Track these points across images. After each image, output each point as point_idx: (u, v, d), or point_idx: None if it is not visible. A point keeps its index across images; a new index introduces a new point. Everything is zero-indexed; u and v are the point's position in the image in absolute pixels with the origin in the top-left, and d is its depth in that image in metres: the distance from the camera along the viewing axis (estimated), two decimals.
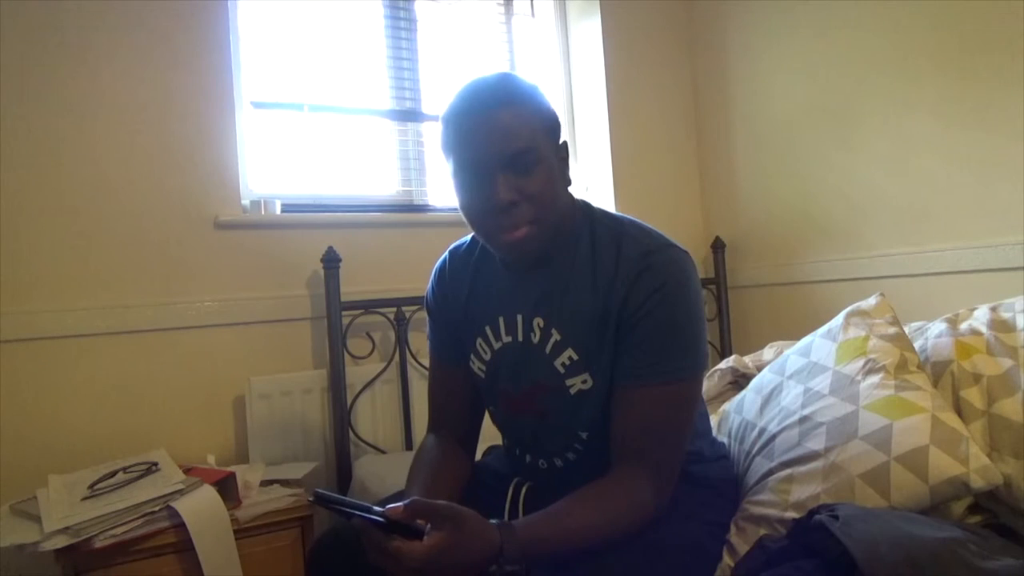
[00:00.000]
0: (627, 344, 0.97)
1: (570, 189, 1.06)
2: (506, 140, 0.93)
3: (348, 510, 0.79)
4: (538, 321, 1.03)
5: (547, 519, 0.91)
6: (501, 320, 1.07)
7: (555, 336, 1.02)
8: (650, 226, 1.04)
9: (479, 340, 1.10)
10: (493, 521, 0.84)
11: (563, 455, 1.07)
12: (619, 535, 0.93)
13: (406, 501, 0.79)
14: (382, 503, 0.88)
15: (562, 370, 1.02)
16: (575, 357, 1.01)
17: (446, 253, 1.19)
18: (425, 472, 1.06)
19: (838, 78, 2.24)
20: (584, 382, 1.01)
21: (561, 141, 1.03)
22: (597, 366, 0.99)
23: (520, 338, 1.06)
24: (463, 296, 1.13)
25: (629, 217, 1.06)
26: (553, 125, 1.00)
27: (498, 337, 1.08)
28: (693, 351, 0.98)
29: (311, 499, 0.80)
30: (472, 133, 0.95)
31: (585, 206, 1.07)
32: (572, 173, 1.05)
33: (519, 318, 1.05)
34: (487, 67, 2.57)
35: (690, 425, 1.03)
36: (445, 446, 1.12)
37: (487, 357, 1.10)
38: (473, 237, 1.17)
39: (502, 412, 1.14)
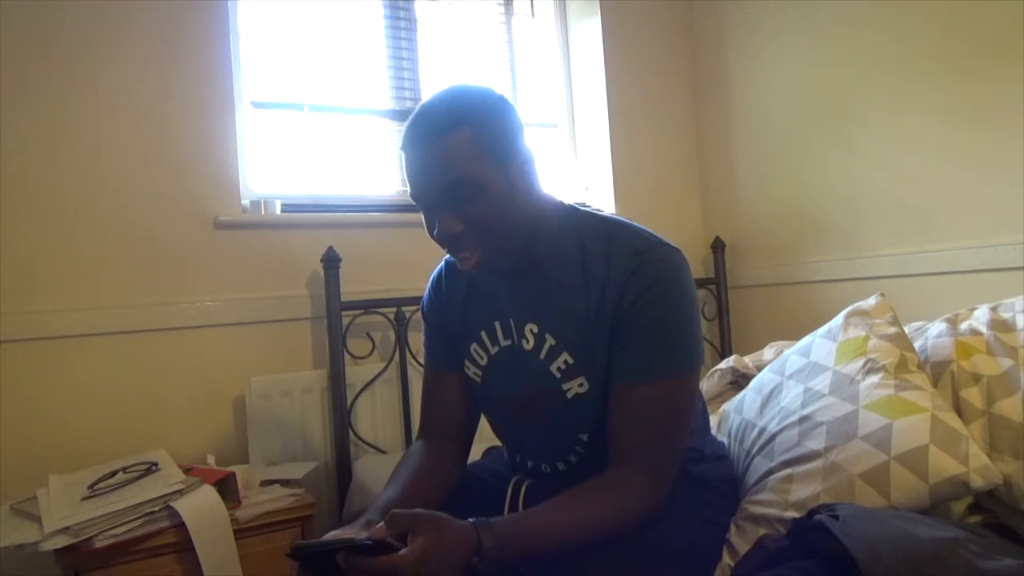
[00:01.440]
0: (621, 343, 0.97)
1: (547, 192, 1.03)
2: (441, 173, 0.93)
3: (330, 548, 0.79)
4: (531, 327, 1.03)
5: (530, 516, 0.92)
6: (497, 324, 1.08)
7: (549, 341, 1.02)
8: (640, 226, 1.03)
9: (474, 345, 1.10)
10: (471, 520, 0.85)
11: (565, 458, 1.07)
12: (609, 533, 0.93)
13: (387, 518, 0.81)
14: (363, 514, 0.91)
15: (558, 375, 1.02)
16: (570, 361, 1.00)
17: (442, 262, 1.19)
18: (402, 477, 1.06)
19: (838, 78, 2.24)
20: (580, 385, 1.01)
21: (524, 146, 0.98)
22: (593, 369, 0.99)
23: (515, 342, 1.06)
24: (460, 303, 1.13)
25: (618, 218, 1.05)
26: (495, 140, 0.95)
27: (495, 342, 1.08)
28: (687, 348, 0.98)
29: (288, 554, 0.80)
30: (410, 168, 0.97)
31: (571, 210, 1.06)
32: (542, 179, 1.01)
33: (512, 323, 1.06)
34: (487, 67, 2.57)
35: (687, 422, 1.02)
36: (430, 452, 1.12)
37: (483, 362, 1.10)
38: None
39: (501, 418, 1.15)
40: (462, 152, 0.92)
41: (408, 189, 0.99)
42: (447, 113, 0.94)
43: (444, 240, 0.98)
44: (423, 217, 1.00)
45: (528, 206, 0.98)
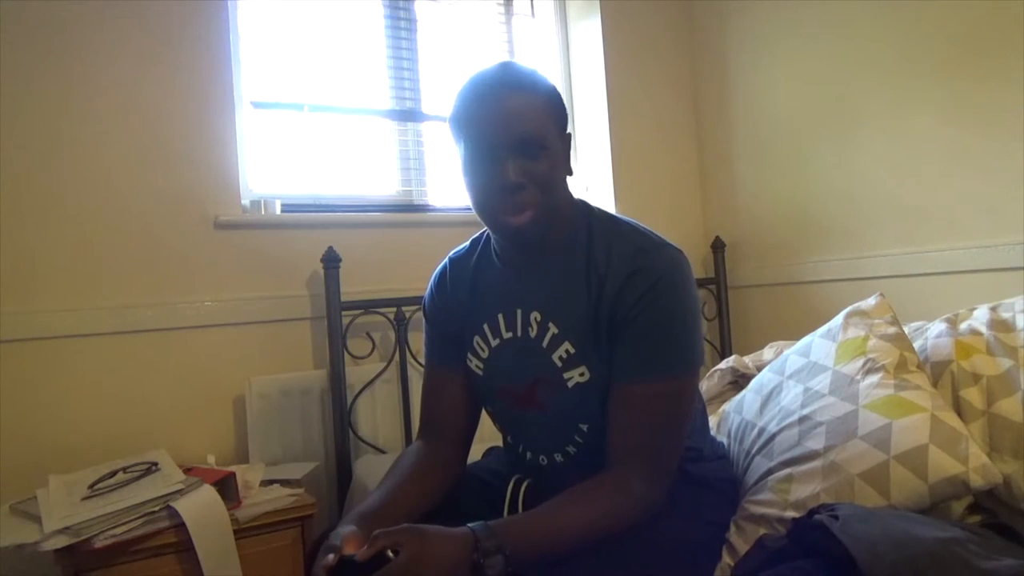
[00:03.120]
0: (622, 342, 0.98)
1: (569, 184, 1.07)
2: (517, 124, 0.96)
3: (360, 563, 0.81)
4: (535, 315, 1.04)
5: (530, 517, 0.92)
6: (501, 317, 1.08)
7: (552, 330, 1.02)
8: (645, 226, 1.05)
9: (477, 338, 1.11)
10: (469, 524, 0.85)
11: (563, 450, 1.07)
12: (608, 533, 0.93)
13: (370, 539, 0.82)
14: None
15: (560, 363, 1.02)
16: (572, 350, 1.01)
17: (446, 260, 1.20)
18: (391, 480, 1.06)
19: (838, 78, 2.24)
20: (582, 375, 1.01)
21: (567, 131, 1.05)
22: (594, 359, 1.00)
23: (519, 333, 1.06)
24: (465, 299, 1.13)
25: (626, 217, 1.07)
26: (560, 114, 1.03)
27: (497, 334, 1.09)
28: (688, 348, 0.98)
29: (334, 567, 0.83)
30: (485, 117, 0.97)
31: (583, 204, 1.08)
32: (573, 165, 1.07)
33: (518, 313, 1.06)
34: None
35: (686, 422, 1.03)
36: (427, 453, 1.12)
37: (484, 355, 1.11)
38: (472, 241, 1.18)
39: (502, 409, 1.15)
40: (540, 112, 0.99)
41: (473, 133, 0.98)
42: (530, 76, 1.01)
43: (510, 187, 0.96)
44: (481, 168, 0.98)
45: (563, 187, 1.03)
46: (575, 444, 1.06)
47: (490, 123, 0.97)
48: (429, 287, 1.20)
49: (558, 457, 1.08)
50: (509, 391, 1.10)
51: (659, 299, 0.96)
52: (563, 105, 1.04)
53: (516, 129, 0.96)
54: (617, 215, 1.08)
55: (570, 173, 1.05)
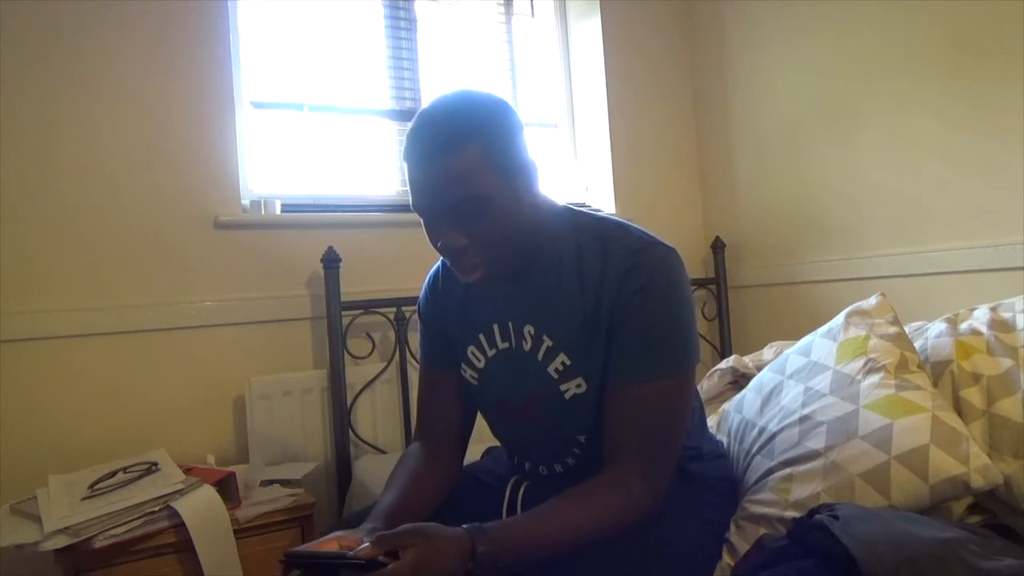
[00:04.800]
0: (617, 342, 0.97)
1: (545, 194, 1.02)
2: (450, 190, 0.91)
3: (325, 561, 0.80)
4: (529, 328, 1.03)
5: (526, 520, 0.92)
6: (495, 327, 1.07)
7: (547, 342, 1.02)
8: (635, 225, 1.03)
9: (471, 348, 1.10)
10: (465, 526, 0.85)
11: (563, 460, 1.07)
12: (607, 533, 0.92)
13: (372, 537, 0.81)
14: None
15: (555, 376, 1.01)
16: (568, 362, 1.00)
17: (439, 262, 1.19)
18: (401, 479, 1.06)
19: (838, 78, 2.24)
20: (578, 386, 1.00)
21: (527, 155, 0.97)
22: (590, 369, 0.99)
23: (513, 344, 1.06)
24: (456, 304, 1.13)
25: (613, 218, 1.06)
26: (509, 151, 0.94)
27: (492, 344, 1.08)
28: (683, 346, 0.98)
29: (282, 560, 0.82)
30: (416, 182, 0.94)
31: (567, 212, 1.05)
32: (543, 185, 1.00)
33: (510, 325, 1.05)
34: (487, 67, 2.57)
35: (683, 421, 1.02)
36: (427, 454, 1.12)
37: (480, 365, 1.10)
38: None
39: (499, 421, 1.14)
40: (470, 170, 0.90)
41: (410, 197, 0.97)
42: (455, 128, 0.92)
43: (448, 253, 0.96)
44: (425, 228, 0.98)
45: (531, 214, 0.98)
46: (573, 456, 1.05)
47: (423, 192, 0.94)
48: (423, 288, 1.20)
49: (558, 468, 1.08)
50: (505, 403, 1.09)
51: (652, 299, 0.95)
52: (506, 139, 0.94)
53: (450, 195, 0.91)
54: (605, 216, 1.06)
55: (534, 198, 0.98)
